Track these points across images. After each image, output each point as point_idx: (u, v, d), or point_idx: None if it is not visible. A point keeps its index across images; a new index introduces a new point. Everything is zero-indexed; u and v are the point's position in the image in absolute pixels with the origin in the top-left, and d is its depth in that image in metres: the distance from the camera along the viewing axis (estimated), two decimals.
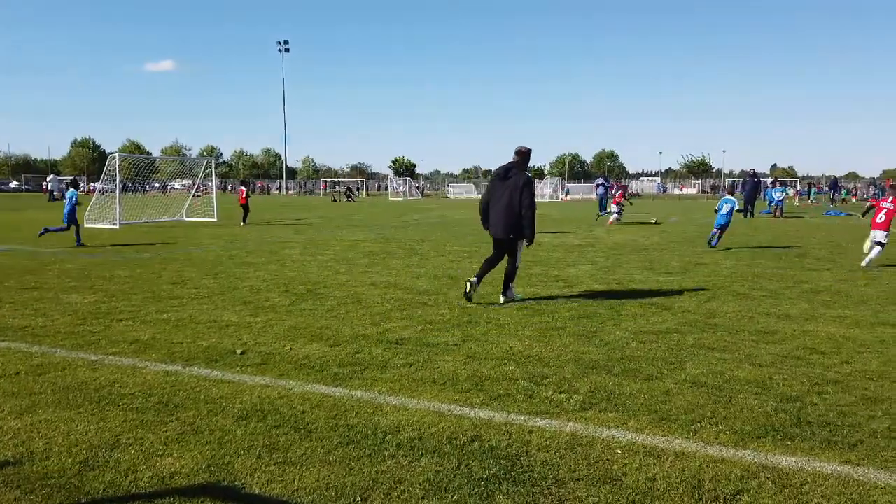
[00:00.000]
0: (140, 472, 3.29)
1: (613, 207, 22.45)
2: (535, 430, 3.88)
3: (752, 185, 26.99)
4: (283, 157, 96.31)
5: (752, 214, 26.48)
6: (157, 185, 47.35)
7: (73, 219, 14.46)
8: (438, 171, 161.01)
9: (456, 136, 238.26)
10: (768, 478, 3.27)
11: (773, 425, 3.94)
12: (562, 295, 8.25)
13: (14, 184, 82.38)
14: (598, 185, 31.05)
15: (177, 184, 59.75)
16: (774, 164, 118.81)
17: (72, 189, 15.10)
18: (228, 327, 6.41)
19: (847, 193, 53.92)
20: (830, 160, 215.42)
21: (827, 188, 52.13)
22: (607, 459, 3.49)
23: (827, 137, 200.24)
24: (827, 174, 62.12)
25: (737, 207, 14.64)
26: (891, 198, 11.42)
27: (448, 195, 72.50)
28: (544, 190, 60.69)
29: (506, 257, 7.80)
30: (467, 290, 7.62)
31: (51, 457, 3.46)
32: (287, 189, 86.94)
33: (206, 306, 7.42)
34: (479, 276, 7.77)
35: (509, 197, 7.44)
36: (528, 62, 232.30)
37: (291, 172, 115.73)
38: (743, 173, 31.25)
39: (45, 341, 5.81)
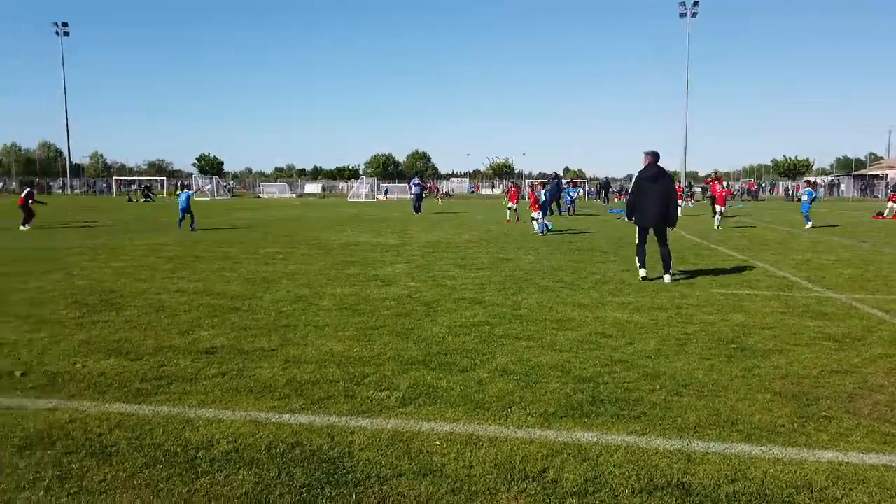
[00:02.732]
0: None
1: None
2: (357, 430, 3.89)
3: (555, 186, 29.69)
4: (65, 153, 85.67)
5: (552, 212, 28.99)
6: None
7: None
8: (250, 170, 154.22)
9: (268, 134, 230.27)
10: (570, 453, 3.60)
11: (572, 405, 4.34)
12: (380, 294, 8.34)
13: None
14: (415, 185, 32.78)
15: None
16: (567, 168, 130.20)
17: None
18: (3, 346, 5.60)
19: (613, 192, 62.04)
20: (614, 163, 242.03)
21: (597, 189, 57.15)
22: (427, 452, 3.60)
23: (609, 143, 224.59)
24: (608, 176, 69.17)
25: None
26: None
27: (260, 195, 69.70)
28: (360, 189, 60.77)
29: (656, 246, 9.66)
30: (646, 277, 9.58)
31: None
32: (72, 188, 77.68)
33: None
34: (643, 262, 9.69)
35: (660, 194, 9.39)
36: (344, 61, 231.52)
37: (77, 170, 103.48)
38: (545, 175, 34.27)
39: None
